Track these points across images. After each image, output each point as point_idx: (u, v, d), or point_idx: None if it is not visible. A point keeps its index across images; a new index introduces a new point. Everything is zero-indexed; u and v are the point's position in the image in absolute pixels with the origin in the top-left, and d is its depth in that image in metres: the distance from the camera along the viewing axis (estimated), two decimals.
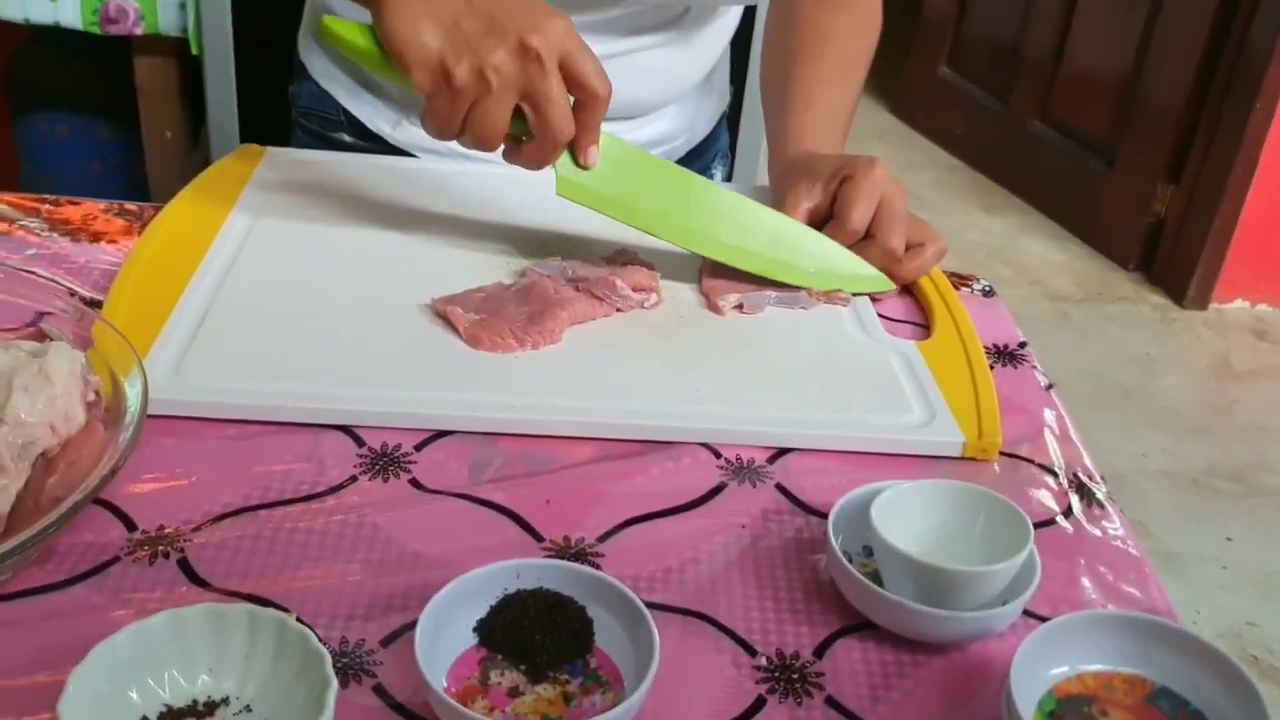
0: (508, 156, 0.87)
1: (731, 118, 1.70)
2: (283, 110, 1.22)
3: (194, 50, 2.08)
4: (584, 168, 0.88)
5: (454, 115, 0.82)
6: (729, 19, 1.15)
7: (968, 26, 3.75)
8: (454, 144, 1.08)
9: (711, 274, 0.94)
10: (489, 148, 0.84)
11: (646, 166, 0.94)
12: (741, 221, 0.94)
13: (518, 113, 0.83)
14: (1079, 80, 3.34)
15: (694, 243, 0.94)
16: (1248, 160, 2.88)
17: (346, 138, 1.13)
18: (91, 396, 0.69)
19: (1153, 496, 2.39)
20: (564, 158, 0.88)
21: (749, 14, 1.45)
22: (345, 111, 1.12)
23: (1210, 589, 2.18)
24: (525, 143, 0.85)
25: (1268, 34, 2.78)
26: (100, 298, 0.86)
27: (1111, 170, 3.23)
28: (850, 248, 0.94)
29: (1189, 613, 2.09)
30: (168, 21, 2.06)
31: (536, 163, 0.86)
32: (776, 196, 0.99)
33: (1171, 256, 3.11)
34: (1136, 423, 2.61)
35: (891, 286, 0.95)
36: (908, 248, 0.95)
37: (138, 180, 2.27)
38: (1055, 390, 0.89)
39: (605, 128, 0.88)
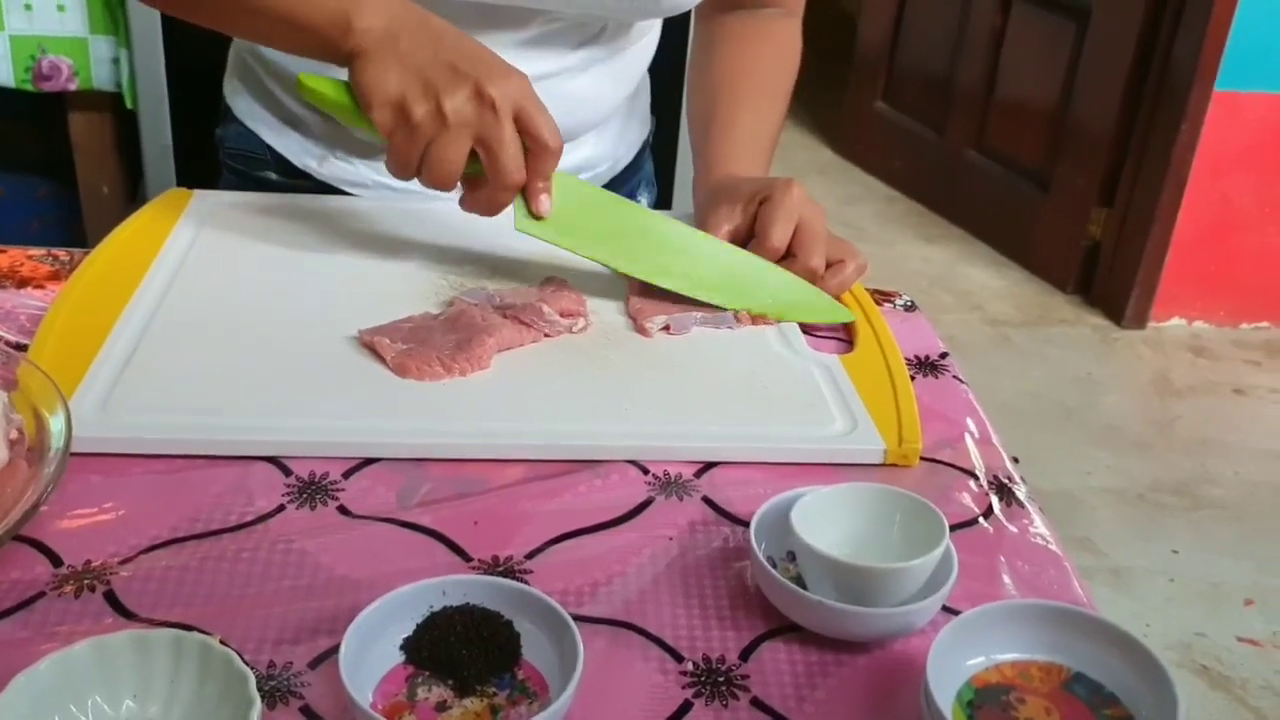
0: (465, 201, 0.92)
1: (668, 145, 1.73)
2: (219, 160, 1.23)
3: (129, 104, 2.09)
4: (536, 216, 0.92)
5: (412, 152, 0.87)
6: (646, 42, 1.17)
7: (900, 61, 3.83)
8: (380, 178, 1.10)
9: (639, 297, 0.95)
10: (445, 186, 0.89)
11: (602, 202, 0.98)
12: (696, 255, 0.97)
13: (474, 157, 0.88)
14: (1011, 110, 3.41)
15: (650, 274, 0.96)
16: (1176, 181, 2.95)
17: (273, 176, 1.14)
18: (14, 434, 0.69)
19: (1099, 513, 2.42)
20: (520, 199, 0.92)
21: (679, 42, 1.48)
22: (271, 150, 1.13)
23: (1159, 602, 2.21)
24: (480, 187, 0.90)
25: (1189, 58, 2.85)
26: (26, 341, 0.86)
27: (1046, 196, 3.29)
28: None
29: (1139, 626, 2.12)
30: (101, 77, 2.07)
31: (490, 206, 0.91)
32: (699, 220, 1.01)
33: (1108, 278, 3.17)
34: (1080, 441, 2.65)
35: (851, 317, 0.97)
36: (828, 265, 0.97)
37: (76, 236, 2.26)
38: (989, 404, 0.91)
39: None
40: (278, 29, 0.94)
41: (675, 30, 1.26)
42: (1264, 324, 3.17)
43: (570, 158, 1.13)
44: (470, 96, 0.85)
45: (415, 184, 0.94)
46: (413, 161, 0.88)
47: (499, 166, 0.87)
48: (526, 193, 0.91)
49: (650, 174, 1.31)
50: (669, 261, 0.96)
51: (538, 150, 0.89)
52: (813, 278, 0.96)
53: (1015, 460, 0.84)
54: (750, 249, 0.97)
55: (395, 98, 0.86)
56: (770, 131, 1.12)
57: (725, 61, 1.15)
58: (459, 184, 0.90)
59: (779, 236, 0.95)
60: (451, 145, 0.86)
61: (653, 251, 0.96)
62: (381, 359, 0.85)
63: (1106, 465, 2.57)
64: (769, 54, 1.16)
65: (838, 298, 0.98)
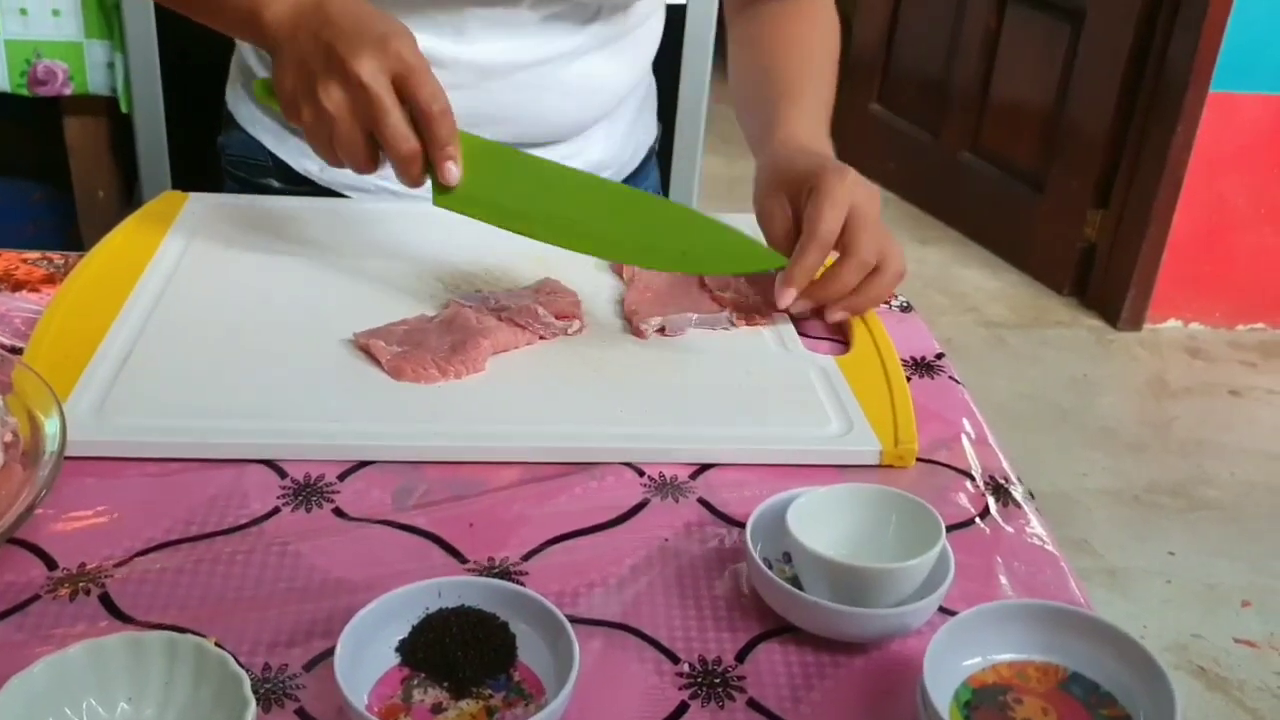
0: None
1: (664, 152, 1.73)
2: (215, 164, 1.23)
3: (124, 108, 2.08)
4: (443, 186, 0.89)
5: (322, 147, 0.87)
6: (651, 27, 1.16)
7: (895, 63, 3.83)
8: (382, 182, 1.10)
9: (634, 299, 0.95)
10: (365, 170, 0.88)
11: (520, 165, 0.93)
12: (617, 212, 0.93)
13: None
14: (1006, 112, 3.41)
15: (570, 243, 0.92)
16: (1172, 182, 2.95)
17: (275, 183, 1.14)
18: (9, 437, 0.69)
19: (1095, 514, 2.42)
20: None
21: (674, 49, 1.48)
22: (273, 157, 1.13)
23: (1155, 604, 2.21)
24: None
25: (1184, 59, 2.85)
26: (21, 345, 0.86)
27: (1042, 197, 3.29)
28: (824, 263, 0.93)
29: (1135, 627, 2.12)
30: (96, 81, 2.07)
31: (406, 179, 0.88)
32: (758, 205, 0.98)
33: (1104, 280, 3.17)
34: (1076, 443, 2.65)
35: (783, 261, 0.92)
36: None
37: (71, 240, 2.26)
38: (985, 406, 0.91)
39: (539, 153, 0.89)
40: (217, 19, 0.95)
41: (670, 33, 1.26)
42: (1259, 325, 3.17)
43: (575, 162, 1.13)
44: (342, 81, 0.83)
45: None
46: (330, 155, 0.87)
47: (386, 142, 0.85)
48: (430, 162, 0.87)
49: (656, 182, 1.31)
50: (588, 224, 0.92)
51: (421, 117, 0.85)
52: (863, 270, 0.92)
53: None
54: (801, 242, 0.92)
55: (290, 99, 0.86)
56: (827, 99, 1.10)
57: (774, 43, 1.12)
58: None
59: (826, 229, 0.91)
60: (346, 134, 0.85)
61: (573, 216, 0.92)
62: (377, 361, 0.85)
63: (1102, 467, 2.58)
64: (813, 30, 1.14)
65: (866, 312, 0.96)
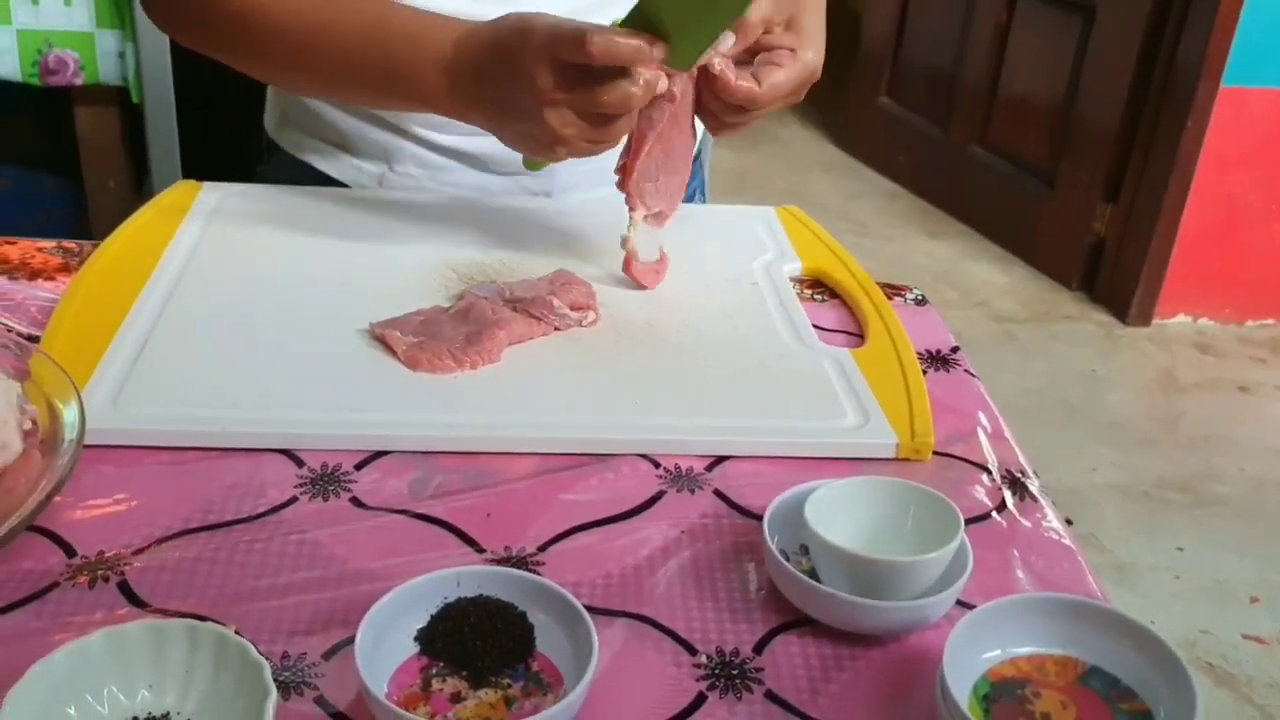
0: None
1: None
2: (225, 155, 1.22)
3: (135, 99, 2.09)
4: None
5: (604, 146, 0.89)
6: None
7: (904, 57, 3.82)
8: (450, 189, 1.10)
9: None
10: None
11: None
12: None
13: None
14: (1016, 106, 3.41)
15: None
16: (1182, 178, 2.94)
17: None
18: (28, 425, 0.70)
19: (1104, 510, 2.42)
20: None
21: None
22: (318, 174, 1.12)
23: (1164, 599, 2.20)
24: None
25: (1195, 55, 2.84)
26: (38, 333, 0.86)
27: (1051, 192, 3.28)
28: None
29: (1143, 623, 2.11)
30: (108, 71, 2.07)
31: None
32: None
33: (1113, 275, 3.16)
34: (1085, 438, 2.65)
35: None
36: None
37: (81, 230, 2.26)
38: (999, 404, 0.91)
39: None
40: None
41: None
42: (1269, 321, 3.16)
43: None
44: (549, 111, 0.83)
45: (459, 183, 0.92)
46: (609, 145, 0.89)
47: (624, 107, 0.84)
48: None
49: (704, 182, 1.28)
50: None
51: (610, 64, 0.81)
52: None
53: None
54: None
55: (535, 151, 0.89)
56: None
57: None
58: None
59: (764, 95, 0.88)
60: (593, 137, 0.86)
61: None
62: (393, 352, 0.85)
63: (1111, 462, 2.57)
64: None
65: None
